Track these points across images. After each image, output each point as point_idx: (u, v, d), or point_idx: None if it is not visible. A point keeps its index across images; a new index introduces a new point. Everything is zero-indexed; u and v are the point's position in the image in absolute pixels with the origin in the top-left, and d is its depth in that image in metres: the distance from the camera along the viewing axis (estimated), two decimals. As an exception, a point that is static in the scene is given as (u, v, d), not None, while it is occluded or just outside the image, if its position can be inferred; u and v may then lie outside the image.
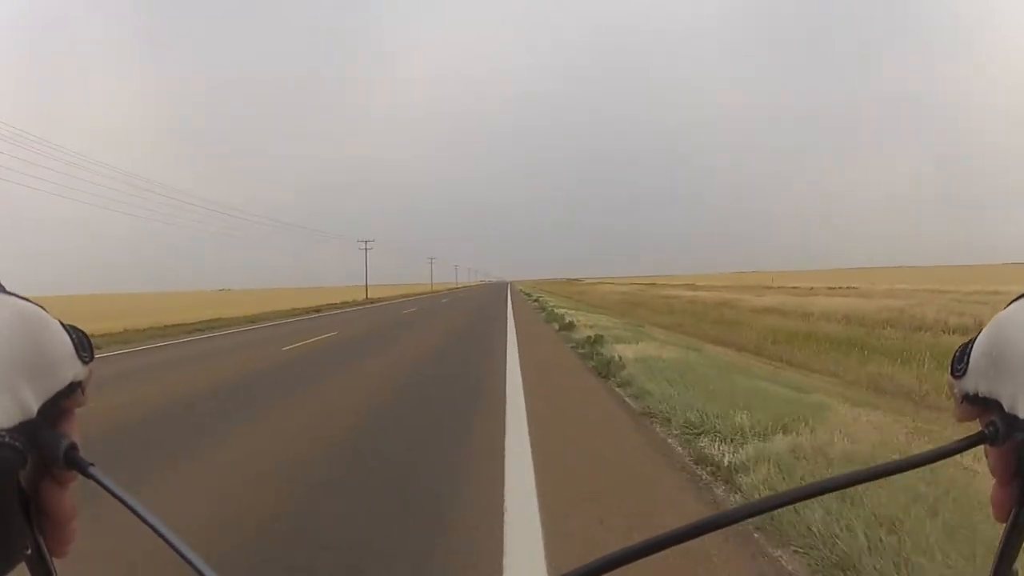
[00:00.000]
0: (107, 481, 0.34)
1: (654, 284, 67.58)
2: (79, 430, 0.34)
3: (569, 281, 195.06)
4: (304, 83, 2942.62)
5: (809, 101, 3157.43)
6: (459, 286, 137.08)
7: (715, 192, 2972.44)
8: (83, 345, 0.35)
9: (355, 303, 40.45)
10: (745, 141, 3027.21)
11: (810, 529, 2.38)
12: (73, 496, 0.34)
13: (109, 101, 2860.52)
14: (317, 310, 30.72)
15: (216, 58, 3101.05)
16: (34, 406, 0.31)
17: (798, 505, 2.36)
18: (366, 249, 60.34)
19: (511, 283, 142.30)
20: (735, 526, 1.59)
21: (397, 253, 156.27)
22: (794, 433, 3.79)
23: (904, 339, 12.89)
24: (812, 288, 42.67)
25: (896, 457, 0.33)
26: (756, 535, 2.49)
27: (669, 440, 4.10)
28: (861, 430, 4.03)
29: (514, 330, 13.08)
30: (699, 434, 4.02)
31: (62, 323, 0.35)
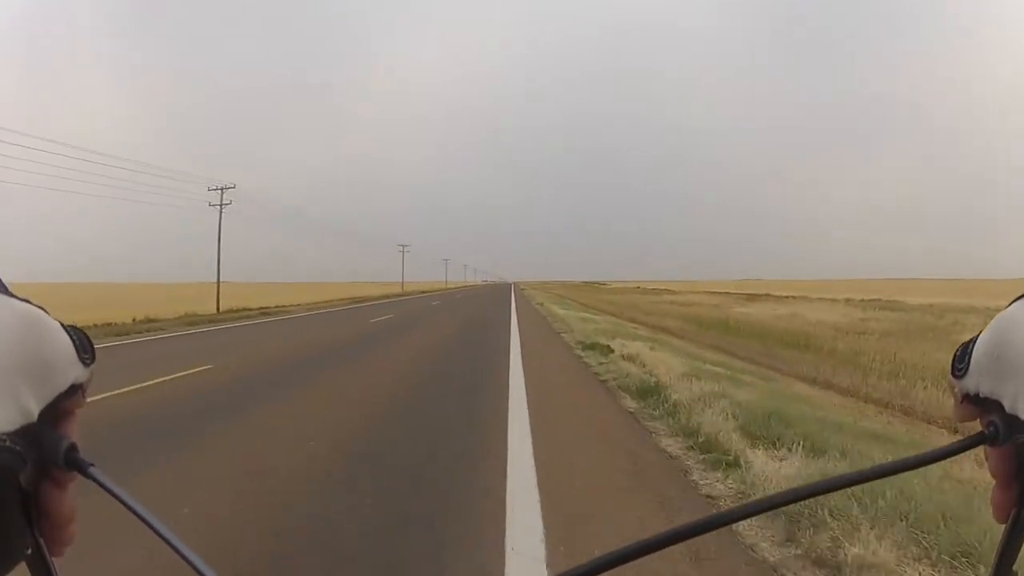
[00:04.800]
0: (107, 481, 0.34)
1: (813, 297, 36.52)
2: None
3: (589, 285, 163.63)
4: (306, 83, 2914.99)
5: (814, 101, 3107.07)
6: (443, 288, 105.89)
7: (738, 198, 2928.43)
8: (84, 347, 0.35)
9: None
10: (757, 146, 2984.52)
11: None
12: (73, 497, 0.34)
13: (106, 97, 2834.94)
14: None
15: (216, 60, 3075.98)
16: (35, 410, 0.31)
17: None
18: (220, 204, 30.54)
19: (515, 284, 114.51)
20: None
21: (375, 248, 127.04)
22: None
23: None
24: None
25: (898, 458, 0.34)
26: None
27: None
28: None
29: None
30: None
31: (63, 324, 0.35)
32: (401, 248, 73.79)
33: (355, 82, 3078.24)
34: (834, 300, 31.40)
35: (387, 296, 46.11)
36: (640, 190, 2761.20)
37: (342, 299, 37.95)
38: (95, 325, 15.41)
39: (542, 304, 30.99)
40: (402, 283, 73.04)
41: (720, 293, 49.35)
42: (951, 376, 0.38)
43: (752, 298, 37.78)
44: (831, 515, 2.66)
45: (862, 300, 31.08)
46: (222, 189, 29.75)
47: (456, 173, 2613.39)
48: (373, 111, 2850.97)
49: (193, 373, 7.51)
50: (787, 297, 37.79)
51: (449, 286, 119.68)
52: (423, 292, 63.34)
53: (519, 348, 10.09)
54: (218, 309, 27.35)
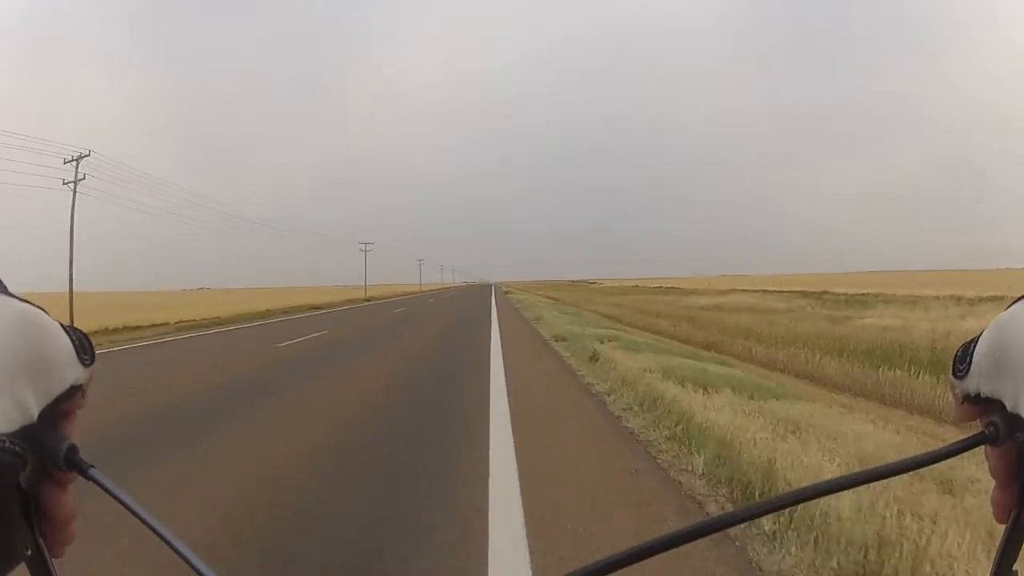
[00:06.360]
0: (107, 482, 0.34)
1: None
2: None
3: (576, 284, 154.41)
4: (302, 83, 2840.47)
5: (812, 101, 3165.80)
6: (416, 291, 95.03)
7: (718, 194, 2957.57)
8: (84, 348, 0.35)
9: None
10: (746, 143, 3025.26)
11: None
12: (73, 497, 0.34)
13: (104, 100, 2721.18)
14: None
15: (211, 59, 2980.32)
16: (35, 410, 0.31)
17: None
18: (75, 181, 19.79)
19: (496, 286, 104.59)
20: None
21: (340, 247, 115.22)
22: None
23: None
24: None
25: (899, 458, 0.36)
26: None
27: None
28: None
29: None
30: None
31: (63, 325, 0.35)
32: (363, 247, 62.69)
33: (351, 81, 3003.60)
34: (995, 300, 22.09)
35: (292, 310, 29.84)
36: (627, 188, 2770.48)
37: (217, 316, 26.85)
38: None
39: (556, 339, 11.53)
40: (365, 287, 62.05)
41: (758, 291, 39.03)
42: (952, 377, 0.38)
43: (849, 297, 27.98)
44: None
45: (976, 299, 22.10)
46: (77, 159, 20.68)
47: (449, 173, 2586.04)
48: (369, 110, 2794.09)
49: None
50: (865, 295, 28.60)
51: (424, 289, 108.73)
52: (368, 300, 45.06)
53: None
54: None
